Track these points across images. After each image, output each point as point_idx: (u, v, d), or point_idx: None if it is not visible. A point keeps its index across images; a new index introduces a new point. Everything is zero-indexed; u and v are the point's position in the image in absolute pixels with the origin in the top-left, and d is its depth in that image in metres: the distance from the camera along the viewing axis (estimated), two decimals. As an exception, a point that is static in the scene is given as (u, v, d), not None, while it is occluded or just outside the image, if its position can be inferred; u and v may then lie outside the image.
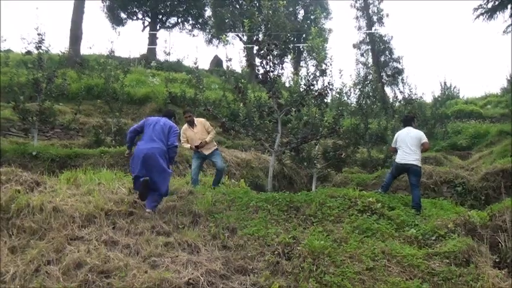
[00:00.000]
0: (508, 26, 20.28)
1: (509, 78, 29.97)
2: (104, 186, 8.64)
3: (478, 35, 79.64)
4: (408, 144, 9.73)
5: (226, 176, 12.40)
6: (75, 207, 7.42)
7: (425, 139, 9.74)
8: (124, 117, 17.10)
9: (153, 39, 36.66)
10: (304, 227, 7.98)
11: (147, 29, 37.75)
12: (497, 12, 20.22)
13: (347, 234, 7.63)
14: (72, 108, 16.93)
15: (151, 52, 35.08)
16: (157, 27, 38.00)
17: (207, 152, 10.44)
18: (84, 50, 27.28)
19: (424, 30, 77.72)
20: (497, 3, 20.07)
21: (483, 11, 20.40)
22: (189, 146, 10.43)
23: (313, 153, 13.31)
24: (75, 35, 25.58)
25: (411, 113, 14.61)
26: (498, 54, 72.25)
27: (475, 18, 20.63)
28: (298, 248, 6.95)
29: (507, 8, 20.02)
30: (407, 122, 10.27)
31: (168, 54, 31.77)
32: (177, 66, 30.51)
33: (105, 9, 37.35)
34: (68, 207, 7.39)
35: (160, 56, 33.26)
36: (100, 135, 14.86)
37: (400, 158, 9.79)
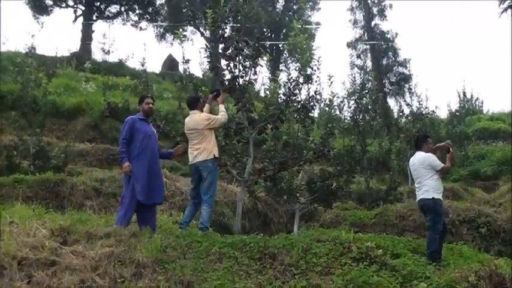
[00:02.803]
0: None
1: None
2: (18, 227, 8.47)
3: (506, 35, 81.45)
4: (413, 175, 9.90)
5: (180, 213, 12.29)
6: (-23, 255, 7.25)
7: (435, 163, 9.53)
8: (47, 134, 16.90)
9: (87, 33, 36.53)
10: (283, 280, 7.93)
11: (80, 19, 37.65)
12: (530, 5, 20.59)
13: (338, 290, 7.61)
14: (-24, 123, 16.72)
15: (86, 50, 34.94)
16: (94, 18, 37.94)
17: None
18: (-5, 45, 26.99)
19: (438, 26, 79.27)
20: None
21: (511, 3, 20.79)
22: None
23: (295, 184, 13.30)
24: (-16, 26, 25.35)
25: (422, 131, 14.67)
26: (531, 58, 73.80)
27: (501, 13, 21.04)
28: (274, 308, 6.90)
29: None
30: (416, 145, 10.14)
31: (107, 52, 31.48)
32: (119, 69, 30.40)
33: (25, -7, 37.16)
34: (-33, 255, 7.21)
35: (97, 55, 33.10)
36: (14, 158, 14.63)
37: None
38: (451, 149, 9.84)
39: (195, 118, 10.11)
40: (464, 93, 32.67)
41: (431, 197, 9.43)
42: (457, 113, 28.98)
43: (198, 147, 9.97)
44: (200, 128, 9.97)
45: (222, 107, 10.27)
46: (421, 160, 9.65)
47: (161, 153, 10.06)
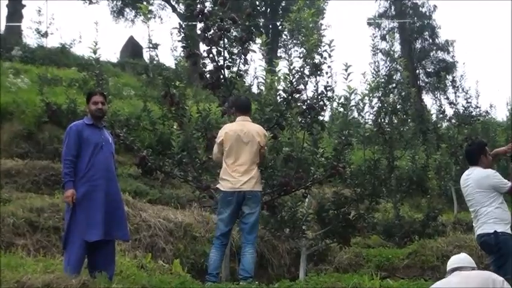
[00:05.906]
0: None
1: None
2: None
3: None
4: (466, 200, 9.35)
5: (150, 254, 12.25)
6: None
7: (500, 182, 8.93)
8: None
9: (16, 9, 36.44)
10: None
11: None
12: None
13: None
14: None
15: (14, 32, 34.92)
16: (25, -11, 37.93)
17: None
18: None
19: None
20: None
21: None
22: None
23: (301, 213, 13.25)
24: None
25: (474, 139, 14.45)
26: None
27: None
28: None
29: None
30: (470, 158, 9.51)
31: (45, 35, 31.61)
32: (62, 57, 30.44)
33: None
34: None
35: (30, 39, 33.15)
36: None
37: None
38: None
39: (254, 127, 9.86)
40: (527, 89, 32.92)
41: (492, 231, 8.81)
42: (519, 115, 29.09)
43: (250, 170, 9.64)
44: (259, 140, 9.71)
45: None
46: (478, 180, 9.00)
47: None
